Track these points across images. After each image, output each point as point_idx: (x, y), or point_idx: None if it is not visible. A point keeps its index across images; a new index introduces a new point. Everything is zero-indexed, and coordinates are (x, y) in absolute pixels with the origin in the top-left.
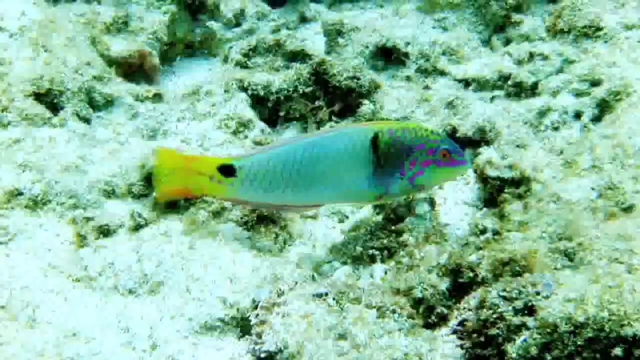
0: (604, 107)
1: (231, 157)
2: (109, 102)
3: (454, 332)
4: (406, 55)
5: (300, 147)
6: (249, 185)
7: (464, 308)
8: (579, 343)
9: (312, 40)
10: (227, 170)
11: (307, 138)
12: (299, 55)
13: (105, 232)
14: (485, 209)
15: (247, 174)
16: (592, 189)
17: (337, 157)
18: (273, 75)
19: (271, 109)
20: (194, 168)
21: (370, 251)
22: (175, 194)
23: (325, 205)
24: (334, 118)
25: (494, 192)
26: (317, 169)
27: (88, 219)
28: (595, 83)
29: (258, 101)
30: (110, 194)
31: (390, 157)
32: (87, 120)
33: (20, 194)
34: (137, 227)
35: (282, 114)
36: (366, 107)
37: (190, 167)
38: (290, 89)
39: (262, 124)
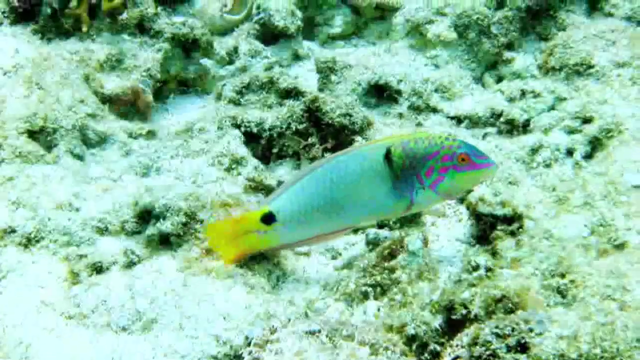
0: (595, 144)
1: (265, 206)
2: (103, 140)
3: None
4: (398, 92)
5: (320, 174)
6: (289, 225)
7: (457, 345)
8: None
9: (305, 77)
10: (268, 219)
11: (324, 164)
12: (292, 93)
13: (98, 269)
14: (477, 245)
15: (285, 215)
16: (585, 225)
17: (356, 178)
18: (266, 113)
19: (264, 146)
20: (241, 230)
21: (363, 288)
22: (239, 257)
23: (362, 224)
24: (327, 155)
25: (487, 229)
26: (341, 192)
27: (81, 256)
28: (587, 120)
29: (251, 138)
30: (103, 231)
31: (406, 169)
32: (80, 158)
33: (14, 231)
34: (130, 265)
35: (275, 151)
36: (359, 144)
37: (238, 231)
38: (283, 126)
39: (256, 161)
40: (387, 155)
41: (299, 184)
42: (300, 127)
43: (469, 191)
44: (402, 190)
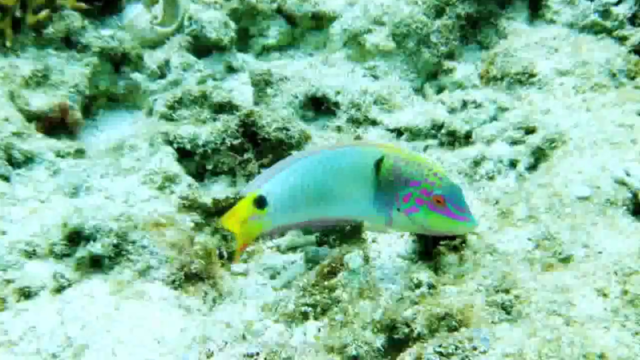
0: (539, 156)
1: (256, 191)
2: (29, 159)
3: None
4: (337, 105)
5: (312, 162)
6: (280, 208)
7: None
8: None
9: (240, 91)
10: (260, 203)
11: (320, 152)
12: (226, 107)
13: (26, 294)
14: (420, 262)
15: (276, 198)
16: (529, 239)
17: (346, 174)
18: (199, 128)
19: (198, 163)
20: (241, 218)
21: (303, 308)
22: (240, 252)
23: (358, 221)
24: (263, 170)
25: (429, 245)
26: (330, 184)
27: (8, 281)
28: (530, 131)
29: (184, 155)
30: (31, 254)
31: (388, 184)
32: (6, 179)
33: None
34: (60, 289)
35: (209, 167)
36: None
37: (240, 219)
38: (218, 142)
39: (189, 179)
40: (379, 163)
41: (289, 169)
42: (236, 142)
43: (448, 237)
44: (382, 204)
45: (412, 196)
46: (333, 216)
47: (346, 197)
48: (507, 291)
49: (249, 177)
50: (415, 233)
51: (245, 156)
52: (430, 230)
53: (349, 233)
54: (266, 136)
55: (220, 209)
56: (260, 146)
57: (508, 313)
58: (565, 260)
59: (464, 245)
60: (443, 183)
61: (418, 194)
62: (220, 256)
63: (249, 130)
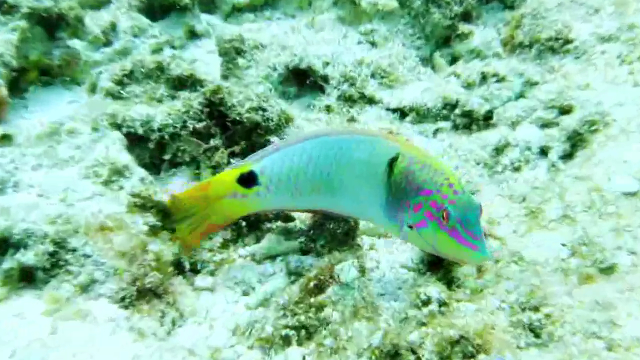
0: (576, 141)
1: (247, 164)
2: None
3: None
4: (325, 79)
5: (319, 144)
6: (273, 190)
7: None
8: None
9: (205, 61)
10: (247, 180)
11: (331, 135)
12: (188, 82)
13: None
14: (428, 273)
15: (271, 177)
16: (563, 245)
17: (358, 168)
18: (155, 108)
19: (153, 152)
20: (212, 195)
21: (284, 331)
22: (204, 237)
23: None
24: (234, 162)
25: None
26: (338, 174)
27: None
28: (564, 111)
29: (136, 141)
30: None
31: (400, 189)
32: None
33: None
34: None
35: (167, 157)
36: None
37: (209, 197)
38: (177, 125)
39: (142, 171)
40: (392, 162)
41: (291, 147)
42: (200, 125)
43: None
44: (394, 211)
45: (422, 208)
46: (337, 211)
47: (355, 195)
48: (536, 309)
49: (216, 168)
50: None
51: (212, 143)
52: (439, 252)
53: (340, 237)
54: (237, 118)
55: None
56: (230, 131)
57: (537, 336)
58: (608, 270)
59: None
60: (457, 198)
61: (428, 206)
62: (181, 267)
63: (216, 111)
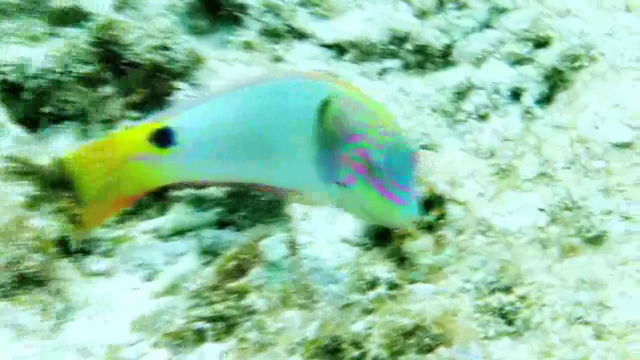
0: (555, 82)
1: (161, 120)
2: None
3: None
4: (242, 8)
5: (244, 95)
6: (194, 151)
7: None
8: None
9: None
10: (161, 138)
11: (259, 82)
12: (71, 15)
13: None
14: (375, 248)
15: (191, 135)
16: (541, 210)
17: (286, 117)
18: (30, 49)
19: (30, 103)
20: (117, 157)
21: (198, 324)
22: (108, 213)
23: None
24: (131, 114)
25: None
26: (268, 130)
27: None
28: (540, 43)
29: (7, 91)
30: None
31: (333, 140)
32: None
33: None
34: None
35: (47, 110)
36: (183, 94)
37: (114, 158)
38: (59, 70)
39: (17, 128)
40: (324, 107)
41: (213, 100)
42: (88, 70)
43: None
44: (326, 169)
45: (351, 159)
46: (262, 182)
47: (283, 153)
48: (508, 290)
49: (110, 123)
50: None
51: (104, 91)
52: (374, 217)
53: (266, 206)
54: (135, 60)
55: (66, 174)
56: (126, 76)
57: (510, 323)
58: (596, 240)
59: (441, 221)
60: (385, 141)
61: (356, 155)
62: (68, 248)
63: (108, 52)
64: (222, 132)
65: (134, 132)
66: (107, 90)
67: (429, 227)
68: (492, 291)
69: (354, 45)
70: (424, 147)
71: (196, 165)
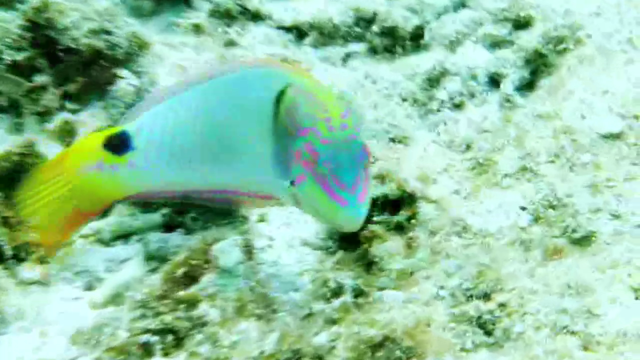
0: (537, 66)
1: (117, 126)
2: None
3: None
4: None
5: (202, 93)
6: (156, 158)
7: None
8: None
9: None
10: (117, 145)
11: (219, 75)
12: None
13: None
14: (340, 252)
15: (150, 139)
16: (523, 209)
17: (244, 113)
18: None
19: None
20: (70, 167)
21: (144, 337)
22: (73, 228)
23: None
24: (69, 105)
25: None
26: (224, 127)
27: None
28: (521, 24)
29: None
30: None
31: (285, 132)
32: None
33: None
34: None
35: None
36: (125, 83)
37: (67, 169)
38: None
39: None
40: (280, 98)
41: (169, 99)
42: (20, 57)
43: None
44: (283, 165)
45: (301, 155)
46: (226, 184)
47: (244, 150)
48: (486, 297)
49: (46, 115)
50: None
51: (38, 80)
52: (325, 219)
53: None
54: (72, 46)
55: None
56: (62, 63)
57: (488, 333)
58: (583, 241)
59: (413, 221)
60: (331, 136)
61: (305, 151)
62: (1, 254)
63: (42, 37)
64: (181, 133)
65: (88, 139)
66: (42, 79)
67: (399, 228)
68: (469, 298)
69: (314, 27)
70: (392, 140)
71: (156, 173)
